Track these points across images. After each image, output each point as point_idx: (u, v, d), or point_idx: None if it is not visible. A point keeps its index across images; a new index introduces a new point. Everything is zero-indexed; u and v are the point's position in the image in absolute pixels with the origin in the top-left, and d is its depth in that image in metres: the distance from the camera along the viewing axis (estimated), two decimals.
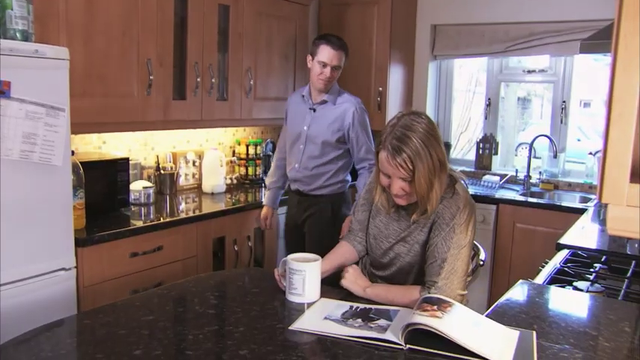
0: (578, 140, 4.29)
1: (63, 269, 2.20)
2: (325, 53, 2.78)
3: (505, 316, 1.61)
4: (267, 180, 3.17)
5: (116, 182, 2.72)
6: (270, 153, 3.75)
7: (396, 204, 1.79)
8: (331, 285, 1.82)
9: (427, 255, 1.74)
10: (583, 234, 2.67)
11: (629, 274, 2.11)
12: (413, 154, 1.63)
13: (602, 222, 2.85)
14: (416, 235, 1.79)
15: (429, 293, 1.64)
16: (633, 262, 2.22)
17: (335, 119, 2.83)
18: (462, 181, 1.80)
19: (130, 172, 2.88)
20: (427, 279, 1.70)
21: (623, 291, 1.94)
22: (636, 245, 2.40)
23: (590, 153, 3.90)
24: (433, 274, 1.69)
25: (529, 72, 4.14)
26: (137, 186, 2.94)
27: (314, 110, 2.88)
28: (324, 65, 2.78)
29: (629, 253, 2.37)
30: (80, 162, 2.39)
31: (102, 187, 2.66)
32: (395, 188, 1.70)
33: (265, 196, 3.14)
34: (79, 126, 2.39)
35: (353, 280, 1.78)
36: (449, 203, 1.73)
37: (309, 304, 1.66)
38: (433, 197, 1.69)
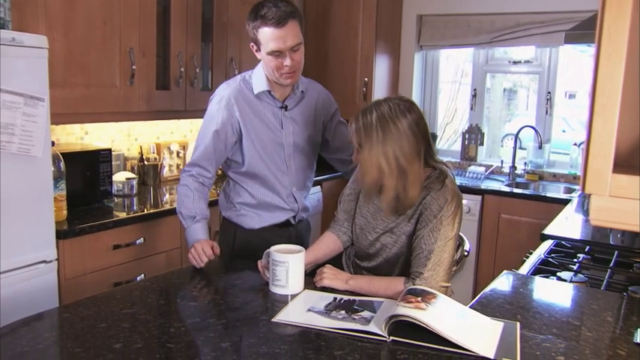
0: (563, 131, 4.32)
1: (44, 262, 2.17)
2: (271, 38, 1.91)
3: (489, 307, 1.62)
4: (191, 209, 2.03)
5: (98, 173, 2.68)
6: None
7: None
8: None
9: (413, 246, 1.74)
10: (567, 224, 2.69)
11: (611, 264, 2.13)
12: (363, 136, 1.68)
13: (586, 212, 2.87)
14: (403, 226, 1.78)
15: (415, 284, 1.64)
16: (616, 252, 2.24)
17: (316, 111, 2.18)
18: (450, 174, 1.80)
19: (113, 163, 2.84)
20: (413, 270, 1.70)
21: (605, 281, 1.96)
22: (619, 235, 2.42)
23: (575, 144, 3.93)
24: (419, 265, 1.68)
25: (515, 63, 4.15)
26: (120, 177, 2.90)
27: (285, 108, 2.11)
28: (279, 54, 1.94)
29: (612, 243, 2.39)
30: (62, 153, 2.36)
31: (84, 178, 2.62)
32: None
33: (195, 230, 2.01)
34: (59, 116, 2.35)
35: (332, 277, 1.75)
36: (437, 195, 1.72)
37: (293, 296, 1.65)
38: (410, 192, 1.70)
